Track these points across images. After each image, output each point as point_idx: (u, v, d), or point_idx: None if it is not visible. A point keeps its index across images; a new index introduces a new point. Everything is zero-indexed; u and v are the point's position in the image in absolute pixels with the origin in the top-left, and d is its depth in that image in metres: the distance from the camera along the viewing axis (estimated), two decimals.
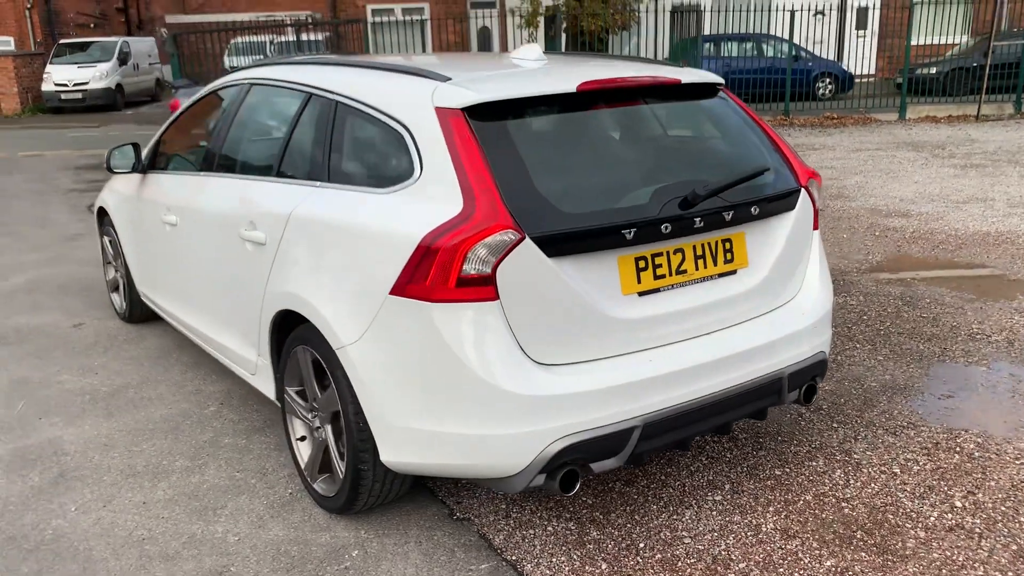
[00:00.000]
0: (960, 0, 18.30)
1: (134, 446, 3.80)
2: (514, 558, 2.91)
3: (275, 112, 3.75)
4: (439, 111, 2.75)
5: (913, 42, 16.25)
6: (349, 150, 3.12)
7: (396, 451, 2.79)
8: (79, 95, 22.32)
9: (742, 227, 3.01)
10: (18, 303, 5.99)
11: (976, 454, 3.49)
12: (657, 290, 2.81)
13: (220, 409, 4.16)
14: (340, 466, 3.06)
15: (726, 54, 18.17)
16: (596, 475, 3.36)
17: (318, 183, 3.14)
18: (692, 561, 2.86)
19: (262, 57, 17.64)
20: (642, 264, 2.77)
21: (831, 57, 19.88)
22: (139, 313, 5.29)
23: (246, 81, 3.98)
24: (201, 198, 3.91)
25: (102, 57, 23.01)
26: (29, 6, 25.28)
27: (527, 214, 2.56)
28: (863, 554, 2.87)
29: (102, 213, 5.46)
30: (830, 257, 6.47)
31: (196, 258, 3.97)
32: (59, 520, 3.24)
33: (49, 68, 22.61)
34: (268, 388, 3.53)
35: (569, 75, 2.96)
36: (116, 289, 5.53)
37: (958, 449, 3.54)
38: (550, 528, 3.07)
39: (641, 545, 2.95)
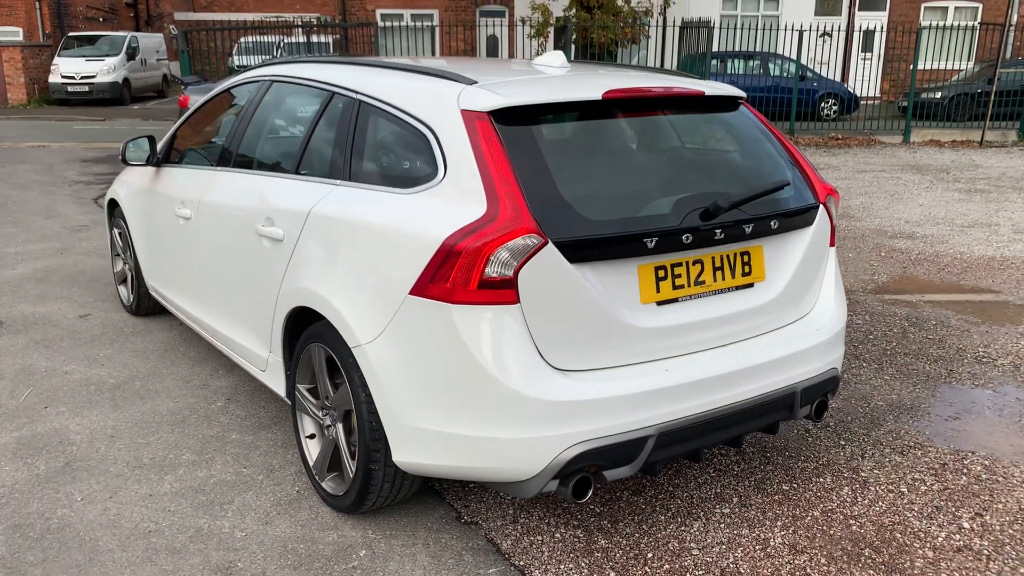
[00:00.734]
0: (964, 27, 18.41)
1: (140, 438, 3.79)
2: (522, 563, 2.90)
3: (296, 110, 3.75)
4: (465, 113, 2.76)
5: (918, 66, 16.31)
6: (371, 149, 3.13)
7: (409, 451, 2.78)
8: (86, 88, 22.35)
9: (760, 241, 3.02)
10: (25, 292, 5.98)
11: (983, 476, 3.50)
12: (675, 300, 2.82)
13: (227, 404, 4.15)
14: (350, 465, 3.05)
15: (732, 71, 18.25)
16: (608, 483, 3.35)
17: (339, 181, 3.15)
18: (700, 573, 2.85)
19: (270, 57, 17.67)
20: (661, 273, 2.78)
21: (836, 78, 20.00)
22: (146, 306, 5.28)
23: (266, 78, 3.99)
24: (217, 193, 3.91)
25: (110, 51, 23.05)
26: None
27: (550, 219, 2.57)
28: (871, 572, 2.86)
29: (113, 205, 5.45)
30: None
31: (209, 253, 3.97)
32: (65, 509, 3.23)
33: (57, 60, 22.64)
34: (278, 385, 3.53)
35: (594, 83, 2.97)
36: (124, 281, 5.52)
37: (965, 471, 3.54)
38: (558, 535, 3.07)
39: (649, 555, 2.95)
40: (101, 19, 27.14)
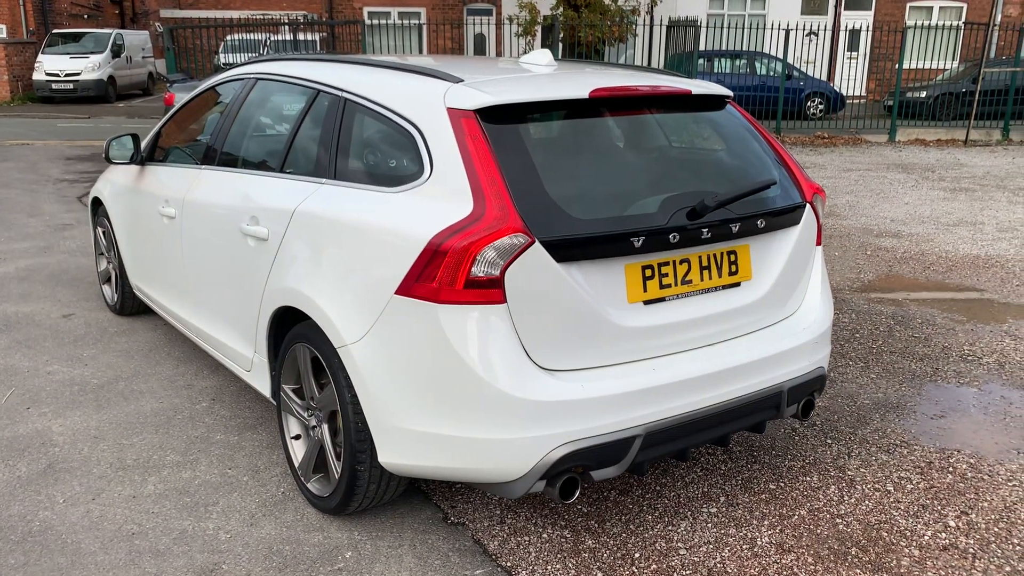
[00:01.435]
0: (949, 27, 18.52)
1: (124, 439, 3.76)
2: (509, 564, 2.89)
3: (281, 107, 3.73)
4: (451, 112, 2.74)
5: (903, 66, 16.39)
6: (357, 148, 3.11)
7: (395, 452, 2.76)
8: (70, 86, 22.17)
9: (747, 240, 3.02)
10: (7, 291, 5.92)
11: (969, 475, 3.51)
12: (662, 299, 2.81)
13: (212, 405, 4.12)
14: (336, 466, 3.03)
15: (719, 70, 18.29)
16: (595, 483, 3.35)
17: (324, 180, 3.12)
18: (688, 573, 2.85)
19: (256, 55, 17.58)
20: (648, 273, 2.77)
21: (822, 78, 20.07)
22: (131, 306, 5.24)
23: (251, 76, 3.96)
24: (201, 191, 3.88)
25: (95, 48, 22.88)
26: None
27: (537, 218, 2.56)
28: (858, 571, 2.87)
29: (96, 203, 5.41)
30: None
31: (194, 252, 3.94)
32: (47, 512, 3.19)
33: (41, 57, 22.44)
34: (263, 385, 3.50)
35: (581, 82, 2.95)
36: (108, 281, 5.48)
37: (951, 469, 3.55)
38: (545, 535, 3.06)
39: (636, 555, 2.94)
40: (86, 16, 26.92)
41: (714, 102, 3.28)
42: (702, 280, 2.90)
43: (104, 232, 5.33)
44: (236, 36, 19.38)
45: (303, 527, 3.10)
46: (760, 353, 2.99)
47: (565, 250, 2.58)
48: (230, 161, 3.83)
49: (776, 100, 16.61)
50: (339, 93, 3.23)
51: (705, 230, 2.81)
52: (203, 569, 2.85)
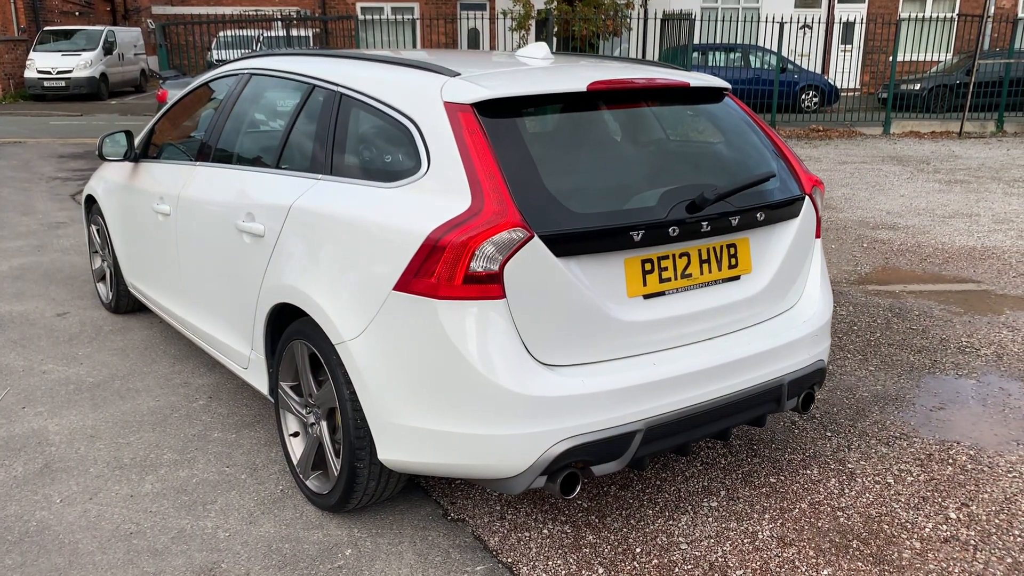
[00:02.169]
0: (943, 19, 18.52)
1: (121, 438, 3.74)
2: (510, 560, 2.88)
3: (276, 103, 3.70)
4: (448, 106, 2.72)
5: (897, 58, 16.40)
6: (353, 143, 3.08)
7: (394, 449, 2.75)
8: (62, 83, 22.06)
9: (746, 233, 3.00)
10: (1, 290, 5.88)
11: (969, 466, 3.50)
12: (662, 293, 2.80)
13: (209, 403, 4.09)
14: (335, 463, 3.01)
15: (713, 64, 18.27)
16: (595, 478, 3.34)
17: (320, 175, 3.10)
18: (689, 567, 2.84)
19: (249, 51, 17.51)
20: (648, 267, 2.75)
21: (817, 70, 20.07)
22: (126, 304, 5.21)
23: (245, 71, 3.93)
24: (196, 188, 3.85)
25: (87, 46, 22.77)
26: None
27: (536, 212, 2.54)
28: (859, 564, 2.86)
29: (90, 201, 5.37)
30: None
31: (189, 249, 3.91)
32: (44, 512, 3.17)
33: (32, 55, 22.34)
34: (261, 383, 3.48)
35: (578, 75, 2.94)
36: (102, 279, 5.45)
37: (951, 461, 3.55)
38: (545, 531, 3.05)
39: (638, 550, 2.93)
40: (77, 13, 26.79)
41: (712, 94, 3.26)
42: (702, 274, 2.89)
43: (98, 230, 5.30)
44: (228, 32, 19.30)
45: (302, 525, 3.08)
46: (760, 346, 2.97)
47: (564, 244, 2.56)
48: (225, 157, 3.80)
49: (771, 93, 16.59)
50: (335, 88, 3.21)
51: (705, 223, 2.79)
52: (202, 568, 2.83)
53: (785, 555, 2.91)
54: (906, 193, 9.74)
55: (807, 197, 3.21)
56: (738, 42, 18.76)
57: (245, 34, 19.05)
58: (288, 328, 3.15)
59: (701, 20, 17.36)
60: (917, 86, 17.58)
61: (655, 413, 2.70)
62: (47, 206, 8.92)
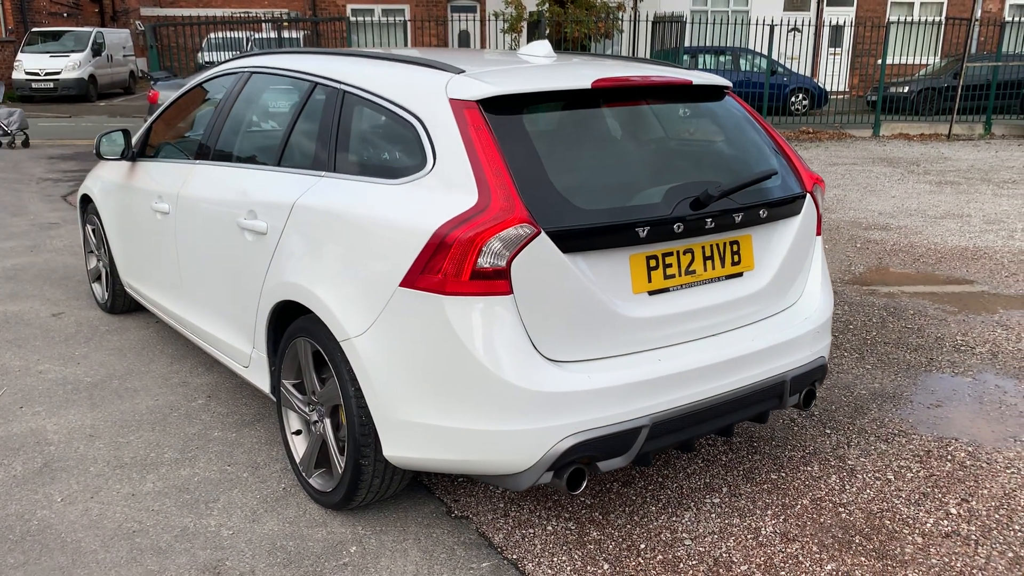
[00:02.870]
0: (930, 23, 18.65)
1: (120, 437, 3.72)
2: (515, 557, 2.88)
3: (277, 101, 3.70)
4: (453, 103, 2.73)
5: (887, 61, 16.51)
6: (356, 140, 3.08)
7: (400, 446, 2.75)
8: (51, 85, 21.95)
9: (749, 230, 3.02)
10: None
11: (968, 463, 3.53)
12: (667, 290, 2.81)
13: (208, 402, 4.08)
14: (339, 461, 3.01)
15: (703, 67, 18.34)
16: (599, 475, 3.34)
17: (323, 173, 3.10)
18: (694, 563, 2.85)
19: (238, 53, 17.45)
20: (653, 263, 2.76)
21: (806, 73, 20.18)
22: (122, 304, 5.19)
23: (245, 69, 3.92)
24: (196, 186, 3.84)
25: (75, 47, 22.66)
26: None
27: (542, 208, 2.55)
28: (863, 559, 2.87)
29: (85, 201, 5.35)
30: None
31: (189, 248, 3.90)
32: (45, 511, 3.15)
33: (20, 56, 22.21)
34: (262, 381, 3.47)
35: (582, 73, 2.94)
36: (98, 279, 5.42)
37: (950, 457, 3.57)
38: (550, 527, 3.05)
39: (642, 546, 2.94)
40: (65, 14, 26.66)
41: (714, 93, 3.28)
42: (705, 270, 2.90)
43: (94, 230, 5.27)
44: (218, 34, 19.24)
45: (306, 523, 3.08)
46: (763, 343, 2.99)
47: (571, 240, 2.57)
48: (225, 156, 3.79)
49: (761, 96, 16.67)
50: (337, 85, 3.21)
51: (709, 220, 2.80)
52: (206, 566, 2.82)
53: (788, 550, 2.92)
54: (897, 194, 9.80)
55: (808, 195, 3.22)
56: (728, 45, 18.83)
57: (235, 36, 19.00)
58: (291, 326, 3.15)
59: (691, 23, 17.44)
60: (905, 89, 17.70)
61: (660, 409, 2.70)
62: (39, 207, 8.87)
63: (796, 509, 3.17)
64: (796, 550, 2.92)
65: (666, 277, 2.80)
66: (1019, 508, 3.18)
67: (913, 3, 25.03)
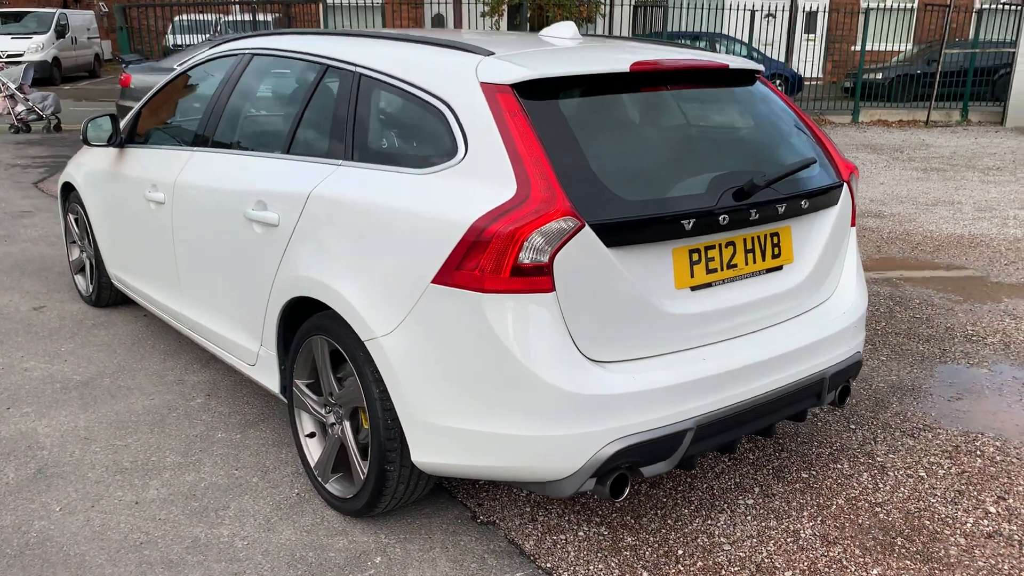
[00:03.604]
0: (905, 9, 18.69)
1: (117, 440, 3.52)
2: (549, 565, 2.74)
3: (284, 84, 3.50)
4: (485, 87, 2.56)
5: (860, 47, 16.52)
6: (376, 126, 2.91)
7: (430, 451, 2.59)
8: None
9: (789, 221, 2.89)
10: None
11: (998, 458, 3.45)
12: (709, 284, 2.67)
13: (207, 401, 3.89)
14: (361, 466, 2.84)
15: None
16: (644, 479, 3.21)
17: (340, 161, 2.92)
18: (736, 569, 2.73)
19: (208, 36, 17.03)
20: (695, 257, 2.63)
21: (780, 59, 20.14)
22: (108, 297, 4.96)
23: (245, 51, 3.71)
24: (195, 175, 3.63)
25: (38, 29, 22.01)
26: None
27: (585, 200, 2.39)
28: (907, 562, 2.78)
29: (67, 189, 5.10)
30: None
31: (187, 239, 3.69)
32: (43, 521, 2.96)
33: None
34: (271, 380, 3.29)
35: (617, 55, 2.79)
36: (81, 271, 5.18)
37: (979, 452, 3.49)
38: (581, 533, 2.92)
39: (680, 552, 2.82)
40: None
41: (747, 77, 3.14)
42: (746, 264, 2.77)
43: (77, 219, 5.03)
44: (185, 16, 18.73)
45: (324, 531, 2.91)
46: (803, 339, 2.87)
47: (615, 234, 2.42)
48: (227, 143, 3.59)
49: None
50: (352, 68, 3.02)
51: (753, 211, 2.67)
52: None
53: (831, 554, 2.81)
54: (886, 181, 9.77)
55: (844, 184, 3.11)
56: (703, 30, 18.73)
57: (203, 18, 18.51)
58: (305, 323, 2.97)
59: (670, 7, 17.29)
60: (879, 75, 17.73)
61: (705, 410, 2.58)
62: (9, 194, 8.53)
63: (832, 510, 3.07)
64: (839, 554, 2.82)
65: (708, 271, 2.66)
66: None
67: None
